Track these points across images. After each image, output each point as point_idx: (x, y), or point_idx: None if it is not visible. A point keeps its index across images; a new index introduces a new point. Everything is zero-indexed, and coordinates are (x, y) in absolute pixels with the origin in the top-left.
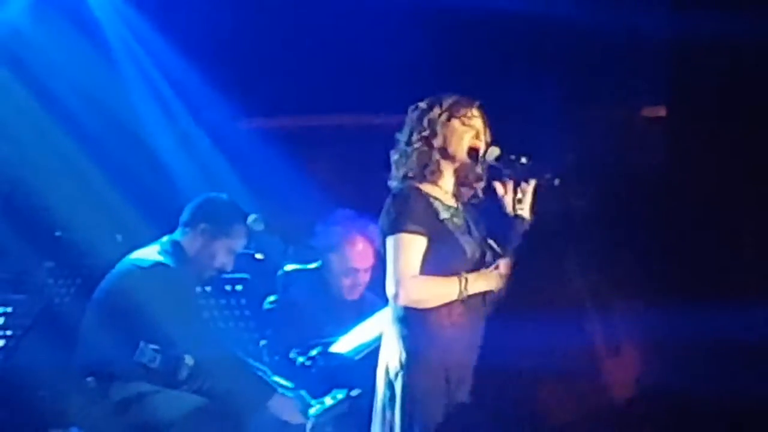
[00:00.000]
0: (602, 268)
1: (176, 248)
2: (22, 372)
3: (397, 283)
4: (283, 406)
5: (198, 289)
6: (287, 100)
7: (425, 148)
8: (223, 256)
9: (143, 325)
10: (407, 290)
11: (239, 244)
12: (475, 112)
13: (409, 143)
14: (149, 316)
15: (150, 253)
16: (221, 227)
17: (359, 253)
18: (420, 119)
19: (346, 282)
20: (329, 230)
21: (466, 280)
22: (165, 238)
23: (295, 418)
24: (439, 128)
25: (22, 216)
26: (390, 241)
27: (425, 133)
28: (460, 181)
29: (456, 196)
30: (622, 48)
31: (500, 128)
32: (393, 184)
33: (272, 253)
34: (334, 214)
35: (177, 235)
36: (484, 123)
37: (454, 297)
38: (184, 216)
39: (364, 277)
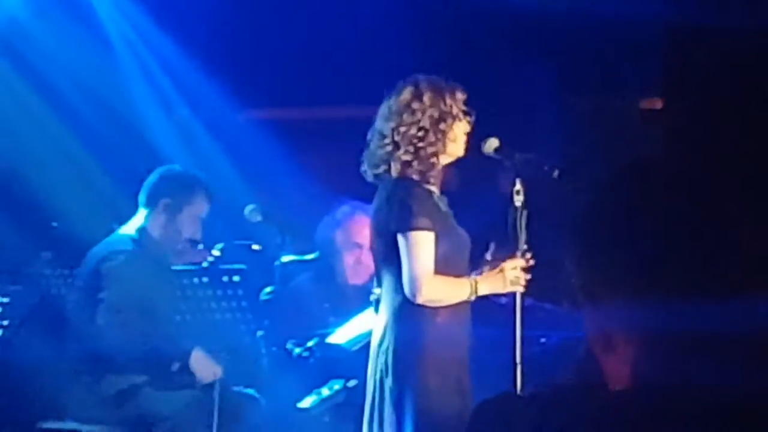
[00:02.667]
0: (600, 260)
1: (142, 233)
2: (19, 363)
3: (416, 282)
4: (200, 363)
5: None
6: (285, 92)
7: (433, 149)
8: (189, 226)
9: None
10: (426, 290)
11: (203, 209)
12: (465, 98)
13: (407, 142)
14: (118, 300)
15: (119, 239)
16: (182, 197)
17: (363, 229)
18: (426, 121)
19: (350, 260)
20: (337, 210)
21: (476, 282)
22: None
23: (210, 371)
24: (450, 133)
25: (19, 207)
26: (403, 238)
27: (432, 138)
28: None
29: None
30: (618, 40)
31: (497, 120)
32: (375, 173)
33: (269, 243)
34: (342, 201)
35: (140, 218)
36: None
37: (464, 298)
38: (142, 198)
39: (368, 258)
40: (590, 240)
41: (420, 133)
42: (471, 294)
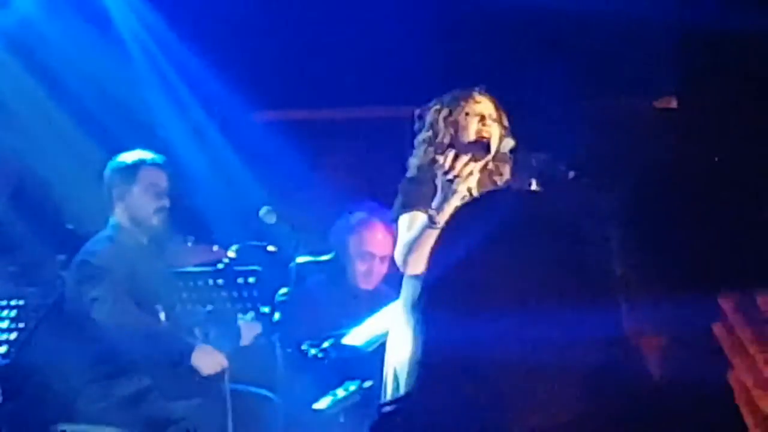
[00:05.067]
0: (618, 260)
1: (115, 229)
2: (34, 365)
3: (397, 254)
4: (203, 357)
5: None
6: (300, 93)
7: (431, 149)
8: (149, 199)
9: None
10: (400, 254)
11: (153, 179)
12: (478, 97)
13: (420, 145)
14: (108, 293)
15: (95, 241)
16: (125, 179)
17: (377, 239)
18: (425, 121)
19: (362, 267)
20: (352, 214)
21: (434, 209)
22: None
23: (214, 362)
24: (442, 127)
25: (34, 208)
26: (399, 221)
27: (429, 134)
28: (481, 173)
29: (470, 188)
30: (632, 39)
31: (511, 120)
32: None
33: (284, 245)
34: (360, 203)
35: (112, 220)
36: (493, 106)
37: (425, 228)
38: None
39: (380, 267)
40: (609, 240)
41: (415, 149)
42: (430, 221)
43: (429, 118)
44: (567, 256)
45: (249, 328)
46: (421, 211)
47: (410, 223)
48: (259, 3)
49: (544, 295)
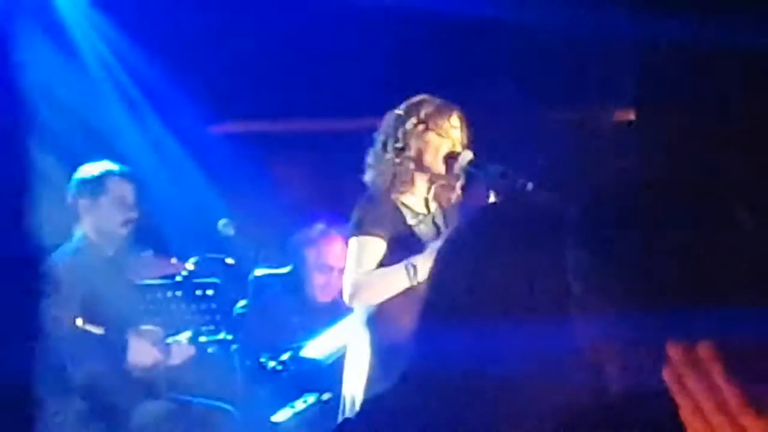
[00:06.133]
0: (578, 271)
1: (81, 241)
2: None
3: (349, 283)
4: (135, 352)
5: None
6: (259, 105)
7: (398, 160)
8: (116, 211)
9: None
10: (355, 287)
11: (121, 190)
12: (455, 121)
13: (384, 150)
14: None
15: (59, 252)
16: (93, 190)
17: (335, 251)
18: (395, 128)
19: (320, 280)
20: (311, 227)
21: (414, 266)
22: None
23: (148, 355)
24: (413, 140)
25: None
26: (350, 242)
27: (398, 144)
28: (437, 189)
29: (428, 203)
30: (590, 51)
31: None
32: (367, 181)
33: (243, 257)
34: (318, 215)
35: (78, 232)
36: (463, 130)
37: (406, 284)
38: (71, 213)
39: (338, 280)
40: (571, 252)
41: (382, 154)
42: (411, 279)
43: (401, 128)
44: (527, 267)
45: (180, 350)
46: (374, 236)
47: (359, 251)
48: (215, 15)
49: (510, 305)
